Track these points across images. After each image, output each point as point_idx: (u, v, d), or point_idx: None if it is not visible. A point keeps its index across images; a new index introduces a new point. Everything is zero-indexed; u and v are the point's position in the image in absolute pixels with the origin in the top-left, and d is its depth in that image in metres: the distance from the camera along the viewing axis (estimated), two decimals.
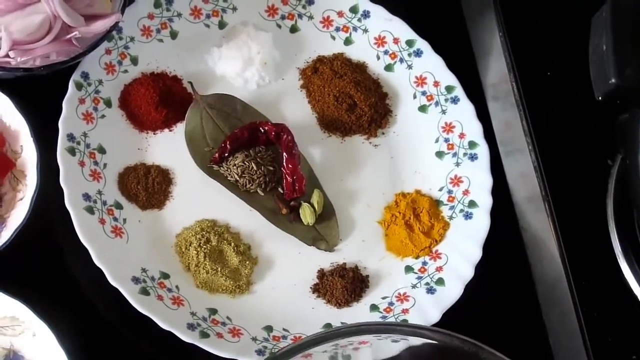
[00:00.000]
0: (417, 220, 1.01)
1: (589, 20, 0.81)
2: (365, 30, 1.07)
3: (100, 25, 0.94)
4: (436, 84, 1.06)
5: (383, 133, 1.06)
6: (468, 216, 1.01)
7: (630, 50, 0.76)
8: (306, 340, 0.80)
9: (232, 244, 0.97)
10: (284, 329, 0.93)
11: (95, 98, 0.98)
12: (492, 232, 1.00)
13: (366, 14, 1.07)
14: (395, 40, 1.07)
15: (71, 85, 0.96)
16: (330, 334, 0.81)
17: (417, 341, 0.85)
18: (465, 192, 1.02)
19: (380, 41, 1.07)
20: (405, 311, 0.96)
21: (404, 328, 0.88)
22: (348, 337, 0.83)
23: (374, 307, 0.97)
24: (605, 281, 0.95)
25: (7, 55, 0.90)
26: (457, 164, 1.04)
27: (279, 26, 1.07)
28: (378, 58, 1.07)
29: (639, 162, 0.87)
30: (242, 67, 1.03)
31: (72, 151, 0.94)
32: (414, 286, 0.98)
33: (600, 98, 0.77)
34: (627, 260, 0.95)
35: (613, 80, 0.75)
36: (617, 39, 0.76)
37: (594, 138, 0.99)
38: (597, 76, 0.77)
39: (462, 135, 1.04)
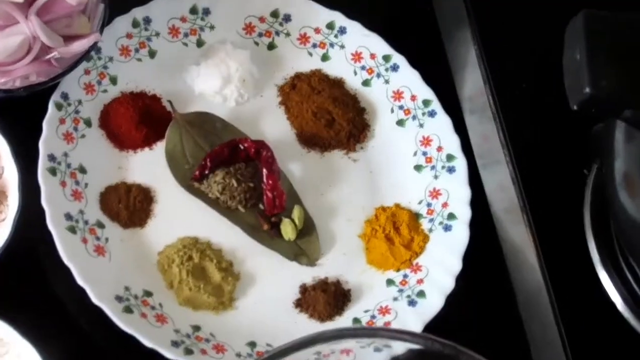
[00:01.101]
0: (397, 234, 1.01)
1: (563, 31, 0.82)
2: (342, 46, 1.08)
3: (79, 46, 0.94)
4: (413, 98, 1.06)
5: (362, 147, 1.06)
6: (447, 228, 1.01)
7: (605, 60, 0.77)
8: (286, 345, 0.81)
9: (215, 260, 0.97)
10: (267, 344, 0.93)
11: (75, 118, 0.98)
12: (472, 243, 1.00)
13: (343, 30, 1.07)
14: (372, 56, 1.07)
15: (51, 106, 0.96)
16: (311, 339, 0.81)
17: (399, 348, 0.86)
18: (444, 205, 1.02)
19: (357, 57, 1.08)
20: (387, 324, 0.96)
21: (385, 332, 0.89)
22: (330, 341, 0.83)
23: (356, 321, 0.97)
24: (584, 290, 0.95)
25: None
26: (436, 177, 1.04)
27: (257, 43, 1.07)
28: (355, 73, 1.08)
29: (615, 171, 0.87)
30: (220, 85, 1.03)
31: (53, 171, 0.94)
32: (395, 299, 0.99)
33: (575, 108, 0.77)
34: (605, 268, 0.96)
35: (588, 90, 0.75)
36: (591, 49, 0.77)
37: (570, 148, 0.99)
38: (572, 86, 0.78)
39: (439, 149, 1.04)
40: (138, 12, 1.03)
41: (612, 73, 0.77)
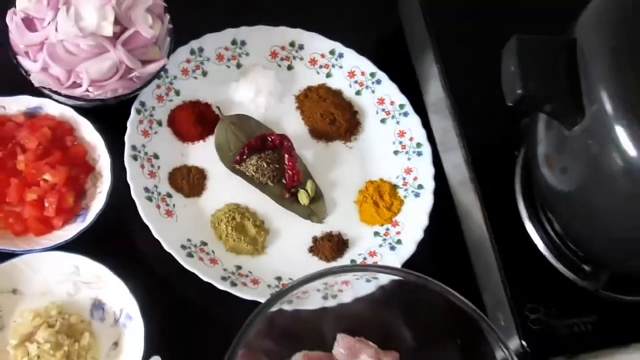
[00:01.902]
0: (381, 199, 1.01)
1: (501, 52, 0.81)
2: (341, 67, 1.07)
3: (153, 67, 0.94)
4: (392, 103, 1.06)
5: (355, 139, 1.06)
6: (417, 195, 1.02)
7: (531, 70, 0.77)
8: (303, 278, 0.81)
9: (251, 219, 0.97)
10: (289, 278, 0.94)
11: (150, 120, 0.98)
12: (435, 206, 1.01)
13: (341, 55, 1.07)
14: (362, 73, 1.07)
15: (133, 111, 0.97)
16: (321, 273, 0.82)
17: (384, 279, 0.86)
18: (415, 179, 1.02)
19: (351, 74, 1.07)
20: (375, 264, 0.97)
21: (373, 267, 0.90)
22: (335, 275, 0.84)
23: (352, 261, 0.98)
24: (516, 237, 0.95)
25: (87, 90, 0.90)
26: (409, 159, 1.04)
27: (279, 65, 1.06)
28: (350, 86, 1.07)
29: (537, 152, 0.87)
30: (253, 96, 1.03)
31: (135, 158, 0.95)
32: (380, 245, 0.99)
33: (510, 104, 0.77)
34: (531, 221, 0.95)
35: (519, 92, 0.75)
36: (521, 62, 0.76)
37: (506, 137, 0.99)
38: (508, 89, 0.77)
39: (411, 139, 1.04)
40: (194, 44, 1.03)
41: (536, 79, 0.77)
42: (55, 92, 0.92)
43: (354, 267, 0.94)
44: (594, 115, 0.75)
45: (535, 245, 0.96)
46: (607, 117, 0.74)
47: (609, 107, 0.74)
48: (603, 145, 0.75)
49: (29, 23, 0.91)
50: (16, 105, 0.93)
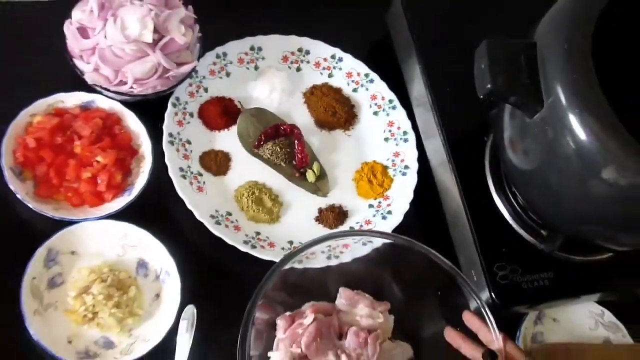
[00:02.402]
0: (374, 178, 1.02)
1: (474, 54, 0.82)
2: (340, 69, 1.07)
3: (185, 68, 0.94)
4: (383, 98, 1.06)
5: (353, 128, 1.06)
6: (404, 174, 1.02)
7: (498, 68, 0.77)
8: (310, 241, 0.82)
9: (267, 194, 0.98)
10: (299, 242, 0.94)
11: (184, 112, 0.99)
12: (419, 184, 1.01)
13: (340, 59, 1.07)
14: (358, 74, 1.07)
15: (169, 105, 0.97)
16: (325, 237, 0.83)
17: (378, 243, 0.87)
18: (402, 160, 1.03)
19: (349, 74, 1.07)
20: (369, 229, 0.98)
21: (369, 232, 0.91)
22: (336, 238, 0.85)
23: (351, 228, 0.98)
24: (485, 208, 0.96)
25: (131, 87, 0.91)
26: (397, 144, 1.04)
27: (290, 68, 1.07)
28: (348, 85, 1.07)
29: (503, 136, 0.88)
30: (269, 92, 1.03)
31: (171, 143, 0.95)
32: (374, 215, 1.00)
33: (481, 97, 0.78)
34: (498, 194, 0.97)
35: (489, 86, 0.75)
36: (490, 62, 0.77)
37: (477, 125, 0.99)
38: (479, 85, 0.77)
39: (399, 128, 1.05)
40: (219, 49, 1.03)
41: (503, 76, 0.77)
42: (105, 89, 0.92)
43: (352, 232, 0.95)
44: (551, 105, 0.76)
45: (502, 215, 0.96)
46: (562, 107, 0.75)
47: (563, 99, 0.75)
48: (558, 130, 0.76)
49: (82, 31, 0.91)
50: (73, 100, 0.93)
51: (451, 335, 0.83)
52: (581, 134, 0.74)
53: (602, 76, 0.74)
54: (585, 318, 1.00)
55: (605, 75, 0.75)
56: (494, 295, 0.90)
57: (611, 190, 0.75)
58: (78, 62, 0.92)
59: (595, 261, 0.96)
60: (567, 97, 0.74)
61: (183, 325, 0.82)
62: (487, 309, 0.82)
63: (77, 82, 0.93)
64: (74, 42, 0.91)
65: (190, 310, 0.83)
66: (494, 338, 0.80)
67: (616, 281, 0.96)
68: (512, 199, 0.96)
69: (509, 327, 0.89)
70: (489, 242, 0.93)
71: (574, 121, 0.74)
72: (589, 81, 0.74)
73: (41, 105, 0.91)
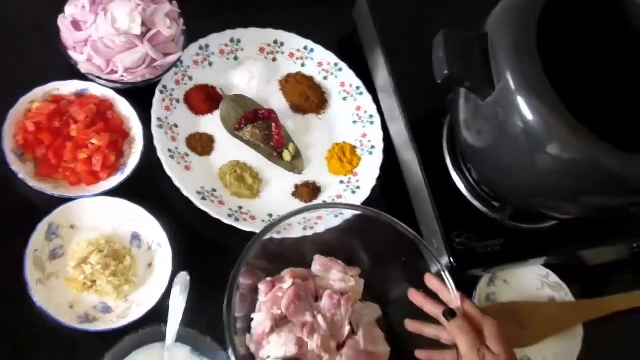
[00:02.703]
0: (344, 156, 1.02)
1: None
2: (312, 59, 1.07)
3: (171, 59, 0.94)
4: (351, 85, 1.06)
5: (324, 112, 1.06)
6: (371, 153, 1.02)
7: (455, 55, 0.77)
8: (287, 214, 0.82)
9: (248, 172, 0.97)
10: (278, 215, 0.94)
11: (171, 98, 0.98)
12: (384, 162, 1.01)
13: (312, 50, 1.07)
14: (328, 63, 1.07)
15: (157, 92, 0.96)
16: (300, 210, 0.83)
17: (348, 215, 0.87)
18: (369, 141, 1.03)
19: (320, 64, 1.07)
20: (340, 202, 0.98)
21: (340, 205, 0.92)
22: (311, 211, 0.85)
23: (324, 202, 0.98)
24: (444, 184, 0.96)
25: (122, 76, 0.90)
26: (364, 127, 1.04)
27: (266, 58, 1.06)
28: (319, 73, 1.07)
29: (459, 118, 0.88)
30: (248, 80, 1.03)
31: (160, 127, 0.94)
32: (344, 190, 0.99)
33: (439, 82, 0.78)
34: (455, 171, 0.97)
35: (446, 72, 0.76)
36: (447, 49, 0.77)
37: (436, 108, 1.00)
38: (437, 70, 0.78)
39: (365, 112, 1.05)
40: (202, 41, 1.02)
41: (459, 62, 0.78)
42: (98, 77, 0.91)
43: (325, 205, 0.95)
44: (501, 89, 0.77)
45: (458, 189, 0.97)
46: (511, 90, 0.76)
47: (512, 83, 0.76)
48: (508, 111, 0.77)
49: (75, 25, 0.90)
50: (68, 88, 0.92)
51: (415, 296, 0.84)
52: (528, 114, 0.75)
53: (546, 63, 0.75)
54: (532, 280, 1.01)
55: (549, 62, 0.76)
56: (452, 260, 0.91)
57: (555, 165, 0.76)
58: (72, 53, 0.91)
59: (541, 228, 0.97)
60: (515, 82, 0.75)
61: (176, 289, 0.82)
62: (446, 272, 0.83)
63: (72, 72, 0.92)
64: (68, 35, 0.90)
65: (183, 276, 0.83)
66: (453, 298, 0.81)
67: (560, 246, 0.98)
68: (468, 174, 0.96)
69: (466, 288, 0.89)
70: (447, 213, 0.93)
71: (521, 103, 0.75)
72: (534, 67, 0.76)
73: (39, 92, 0.90)
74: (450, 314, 0.78)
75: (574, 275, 1.01)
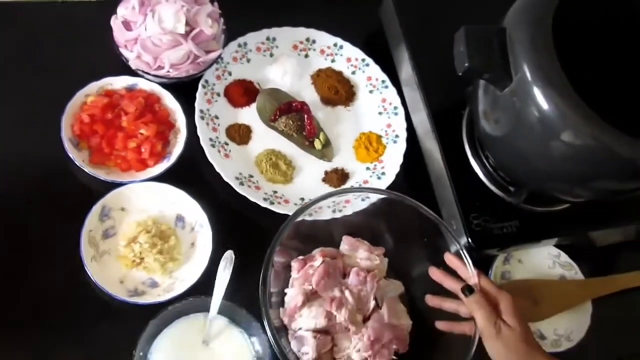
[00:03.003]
0: (370, 145, 0.99)
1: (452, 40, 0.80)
2: (341, 55, 1.05)
3: (212, 55, 0.92)
4: (377, 79, 1.04)
5: (352, 104, 1.04)
6: (395, 142, 1.00)
7: (475, 49, 0.75)
8: (318, 197, 0.81)
9: (282, 160, 0.96)
10: (309, 199, 0.91)
11: (212, 92, 0.96)
12: (407, 150, 0.99)
13: (341, 47, 1.04)
14: (356, 59, 1.04)
15: (200, 86, 0.95)
16: (330, 194, 0.82)
17: (374, 198, 0.86)
18: (393, 131, 1.00)
19: (348, 60, 1.05)
20: (367, 187, 0.96)
21: (366, 189, 0.91)
22: (339, 194, 0.84)
23: (352, 187, 0.97)
24: (464, 170, 0.94)
25: (168, 71, 0.89)
26: (389, 117, 1.02)
27: (299, 54, 1.04)
28: (348, 68, 1.05)
29: (478, 109, 0.86)
30: (282, 75, 1.01)
31: (202, 118, 0.93)
32: (370, 176, 0.97)
33: (460, 74, 0.76)
34: (474, 159, 0.94)
35: (466, 65, 0.73)
36: (467, 44, 0.75)
37: (456, 100, 0.97)
38: (458, 64, 0.76)
39: (390, 104, 1.02)
40: (240, 39, 1.00)
41: (479, 55, 0.76)
42: (146, 73, 0.90)
43: (353, 189, 0.93)
44: (519, 80, 0.75)
45: (476, 174, 0.95)
46: (527, 81, 0.74)
47: (528, 75, 0.74)
48: (524, 101, 0.75)
49: (126, 25, 0.90)
50: (120, 82, 0.91)
51: (435, 273, 0.83)
52: (543, 103, 0.73)
53: (561, 56, 0.73)
54: (544, 259, 0.99)
55: (564, 56, 0.73)
56: (470, 240, 0.89)
57: (569, 151, 0.74)
58: (123, 51, 0.90)
59: (553, 211, 0.94)
60: (532, 73, 0.73)
61: (222, 265, 0.82)
62: (464, 252, 0.81)
63: (123, 68, 0.91)
64: (119, 34, 0.90)
65: (230, 253, 0.82)
66: (471, 275, 0.79)
67: (571, 228, 0.95)
68: (485, 161, 0.94)
69: (483, 266, 0.87)
70: (466, 197, 0.92)
71: (537, 93, 0.73)
72: (550, 60, 0.73)
73: (94, 87, 0.89)
74: (468, 290, 0.77)
75: (584, 255, 0.99)
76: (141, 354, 0.78)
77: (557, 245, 0.98)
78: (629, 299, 0.99)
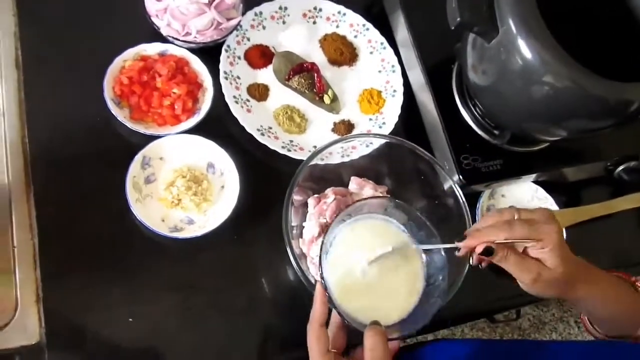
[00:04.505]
0: (372, 99, 0.97)
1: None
2: (344, 21, 1.01)
3: (233, 22, 0.89)
4: (376, 42, 1.00)
5: (355, 64, 1.00)
6: (393, 96, 0.97)
7: (465, 5, 0.72)
8: (328, 143, 0.78)
9: (297, 113, 0.93)
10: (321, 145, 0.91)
11: (233, 55, 0.93)
12: (404, 103, 0.96)
13: (344, 14, 1.01)
14: (357, 24, 1.01)
15: (223, 51, 0.92)
16: (338, 140, 0.79)
17: (377, 144, 0.83)
18: (392, 86, 0.98)
19: (351, 25, 1.01)
20: (370, 133, 0.94)
21: (370, 135, 0.88)
22: (346, 140, 0.81)
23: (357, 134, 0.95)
24: (454, 117, 0.92)
25: (195, 37, 0.86)
26: (387, 75, 0.99)
27: (308, 22, 1.00)
28: (351, 33, 1.01)
29: (467, 62, 0.83)
30: (294, 40, 0.98)
31: (226, 78, 0.90)
32: (373, 126, 0.95)
33: (452, 28, 0.73)
34: (463, 107, 0.92)
35: (458, 19, 0.70)
36: (459, 0, 0.72)
37: (447, 57, 0.94)
38: (450, 18, 0.72)
39: (388, 63, 0.99)
40: (256, 9, 0.97)
41: (468, 11, 0.73)
42: (176, 39, 0.87)
43: (358, 135, 0.90)
44: (504, 32, 0.72)
45: (466, 121, 0.92)
46: (512, 33, 0.71)
47: (513, 27, 0.71)
48: (509, 51, 0.72)
49: None
50: (152, 48, 0.88)
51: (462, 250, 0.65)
52: (527, 52, 0.70)
53: (542, 8, 0.70)
54: (524, 193, 0.97)
55: (545, 8, 0.70)
56: (461, 177, 0.88)
57: (548, 93, 0.72)
58: (155, 20, 0.87)
59: (532, 151, 0.92)
60: (516, 25, 0.71)
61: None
62: (457, 187, 0.79)
63: (155, 35, 0.88)
64: (151, 4, 0.86)
65: None
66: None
67: (547, 165, 0.93)
68: (473, 109, 0.91)
69: (471, 201, 0.86)
70: (457, 141, 0.90)
71: (521, 43, 0.70)
72: (532, 12, 0.70)
73: (130, 52, 0.86)
74: (487, 252, 0.61)
75: (558, 189, 0.98)
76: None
77: (535, 182, 0.97)
78: (597, 226, 0.98)
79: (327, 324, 0.65)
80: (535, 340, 1.80)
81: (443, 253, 0.68)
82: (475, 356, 0.71)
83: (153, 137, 0.83)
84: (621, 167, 0.95)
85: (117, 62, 0.85)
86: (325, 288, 0.65)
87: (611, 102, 0.69)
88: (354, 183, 0.86)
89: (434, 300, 0.68)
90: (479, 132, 0.91)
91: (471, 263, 0.64)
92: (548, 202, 0.96)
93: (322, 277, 0.66)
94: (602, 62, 0.72)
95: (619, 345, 0.70)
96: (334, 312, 0.67)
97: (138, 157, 0.81)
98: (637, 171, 0.95)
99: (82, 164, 0.84)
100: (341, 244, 0.72)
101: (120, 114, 0.83)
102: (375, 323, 0.61)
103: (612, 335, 0.74)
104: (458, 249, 0.64)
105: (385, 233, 0.74)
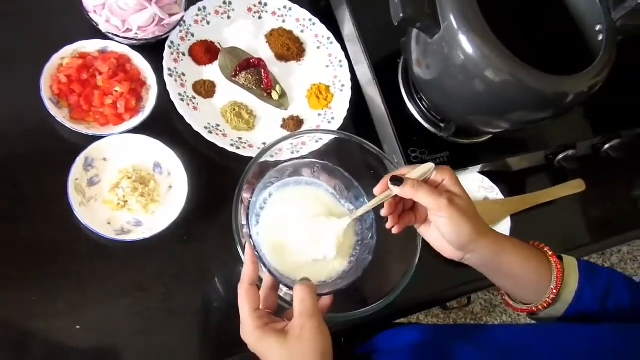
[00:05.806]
0: (320, 94, 0.97)
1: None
2: (290, 16, 1.01)
3: (175, 18, 0.87)
4: (323, 36, 1.00)
5: (303, 59, 1.00)
6: (342, 91, 0.97)
7: (408, 1, 0.73)
8: (277, 140, 0.78)
9: (245, 110, 0.92)
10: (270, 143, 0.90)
11: (177, 52, 0.91)
12: (353, 97, 0.97)
13: (290, 9, 1.00)
14: (304, 19, 1.01)
15: (166, 47, 0.90)
16: (287, 136, 0.78)
17: (326, 139, 0.83)
18: (340, 81, 0.98)
19: (297, 20, 1.01)
20: (319, 129, 0.94)
21: (320, 131, 0.88)
22: (296, 137, 0.81)
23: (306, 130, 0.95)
24: (401, 112, 0.93)
25: (135, 34, 0.84)
26: (335, 70, 0.99)
27: (254, 16, 0.99)
28: (297, 27, 1.01)
29: (411, 57, 0.85)
30: (240, 35, 0.97)
31: (170, 75, 0.88)
32: (322, 121, 0.95)
33: (396, 24, 0.73)
34: (410, 101, 0.93)
35: (401, 15, 0.71)
36: None
37: (392, 51, 0.95)
38: (394, 14, 0.73)
39: (335, 58, 0.99)
40: (200, 4, 0.95)
41: (411, 6, 0.73)
42: (116, 36, 0.85)
43: (307, 132, 0.90)
44: (446, 28, 0.73)
45: (412, 115, 0.94)
46: (453, 29, 0.72)
47: (454, 22, 0.72)
48: (451, 46, 0.74)
49: None
50: (92, 45, 0.85)
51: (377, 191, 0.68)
52: (468, 47, 0.72)
53: (482, 5, 0.71)
54: (470, 184, 0.99)
55: (485, 4, 0.72)
56: None
57: (489, 87, 0.74)
58: (93, 16, 0.84)
59: (477, 142, 0.95)
60: (457, 21, 0.72)
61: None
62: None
63: (94, 32, 0.85)
64: (88, 0, 0.83)
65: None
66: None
67: (491, 155, 0.96)
68: (419, 103, 0.93)
69: None
70: (404, 135, 0.91)
71: (462, 39, 0.72)
72: (472, 9, 0.72)
73: (68, 50, 0.83)
74: (395, 181, 0.63)
75: (503, 179, 1.00)
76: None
77: (481, 172, 0.99)
78: (540, 213, 1.01)
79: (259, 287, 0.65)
80: (480, 324, 1.86)
81: (372, 212, 0.70)
82: (428, 340, 0.73)
83: (95, 138, 0.81)
84: (560, 156, 0.99)
85: (54, 59, 0.82)
86: (254, 247, 0.66)
87: (548, 94, 0.72)
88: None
89: (364, 257, 0.70)
90: (426, 125, 0.93)
91: (387, 226, 0.67)
92: (494, 191, 0.99)
93: (250, 237, 0.67)
94: (540, 57, 0.74)
95: (556, 326, 0.71)
96: (266, 274, 0.67)
97: (80, 159, 0.79)
98: (576, 159, 1.00)
99: (20, 168, 0.80)
100: (271, 207, 0.74)
101: (60, 114, 0.80)
102: (306, 280, 0.62)
103: (527, 303, 0.71)
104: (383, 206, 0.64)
105: (314, 195, 0.76)
